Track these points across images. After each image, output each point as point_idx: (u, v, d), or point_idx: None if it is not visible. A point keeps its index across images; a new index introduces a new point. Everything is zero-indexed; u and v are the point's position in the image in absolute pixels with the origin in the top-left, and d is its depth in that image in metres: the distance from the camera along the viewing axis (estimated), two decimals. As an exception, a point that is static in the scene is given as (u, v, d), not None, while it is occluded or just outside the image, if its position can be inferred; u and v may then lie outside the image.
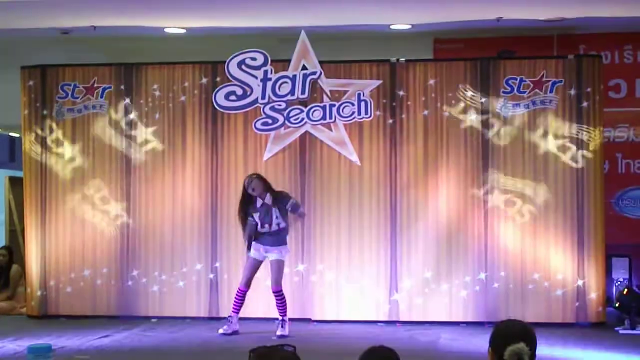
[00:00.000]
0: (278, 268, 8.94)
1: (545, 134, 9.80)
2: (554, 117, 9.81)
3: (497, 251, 9.79)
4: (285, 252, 9.03)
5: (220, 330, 9.02)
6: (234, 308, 9.07)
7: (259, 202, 8.91)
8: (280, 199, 8.99)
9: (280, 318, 8.95)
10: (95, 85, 10.36)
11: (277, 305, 8.97)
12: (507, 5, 9.91)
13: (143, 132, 10.29)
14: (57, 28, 10.82)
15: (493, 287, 9.77)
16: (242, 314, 9.21)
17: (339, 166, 10.04)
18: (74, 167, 10.35)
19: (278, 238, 8.96)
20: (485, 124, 9.87)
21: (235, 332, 8.99)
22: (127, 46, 11.28)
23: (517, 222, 9.78)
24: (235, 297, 9.12)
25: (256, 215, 8.91)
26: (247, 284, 9.03)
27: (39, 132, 10.40)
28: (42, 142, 10.39)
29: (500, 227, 9.79)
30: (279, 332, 8.83)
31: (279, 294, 8.95)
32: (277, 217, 8.90)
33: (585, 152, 9.74)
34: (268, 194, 8.93)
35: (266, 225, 8.90)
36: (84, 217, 10.29)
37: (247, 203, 8.97)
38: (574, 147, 9.75)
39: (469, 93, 9.91)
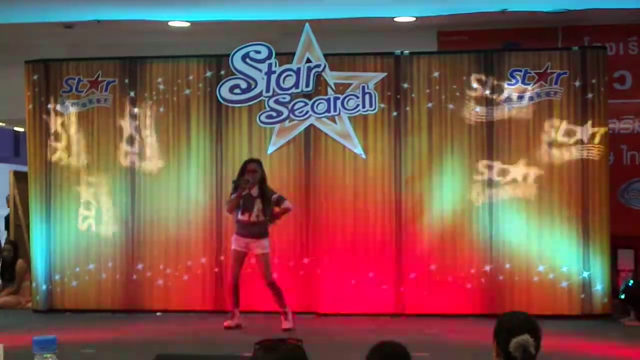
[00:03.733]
0: (265, 261, 8.91)
1: (550, 126, 9.78)
2: (558, 108, 9.79)
3: (502, 243, 9.78)
4: (267, 243, 8.94)
5: (226, 324, 9.01)
6: (233, 302, 9.05)
7: (244, 190, 8.87)
8: (266, 192, 8.93)
9: (282, 310, 8.93)
10: (100, 79, 10.37)
11: (274, 299, 8.93)
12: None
13: (147, 126, 10.29)
14: (60, 22, 10.81)
15: (498, 279, 9.76)
16: (248, 308, 9.20)
17: (344, 159, 10.03)
18: (78, 161, 10.35)
19: (258, 230, 8.89)
20: (490, 116, 9.85)
21: (238, 326, 8.98)
22: (131, 40, 11.27)
23: (522, 214, 9.77)
24: (229, 292, 9.09)
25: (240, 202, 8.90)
26: (236, 276, 8.98)
27: (44, 126, 10.41)
28: (47, 136, 10.40)
29: (505, 219, 9.79)
30: (284, 326, 8.81)
31: (273, 286, 8.93)
32: (257, 210, 8.86)
33: (590, 144, 9.72)
34: (257, 187, 8.90)
35: (246, 214, 8.86)
36: (88, 211, 10.30)
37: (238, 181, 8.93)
38: (579, 139, 9.73)
39: (474, 85, 9.90)
